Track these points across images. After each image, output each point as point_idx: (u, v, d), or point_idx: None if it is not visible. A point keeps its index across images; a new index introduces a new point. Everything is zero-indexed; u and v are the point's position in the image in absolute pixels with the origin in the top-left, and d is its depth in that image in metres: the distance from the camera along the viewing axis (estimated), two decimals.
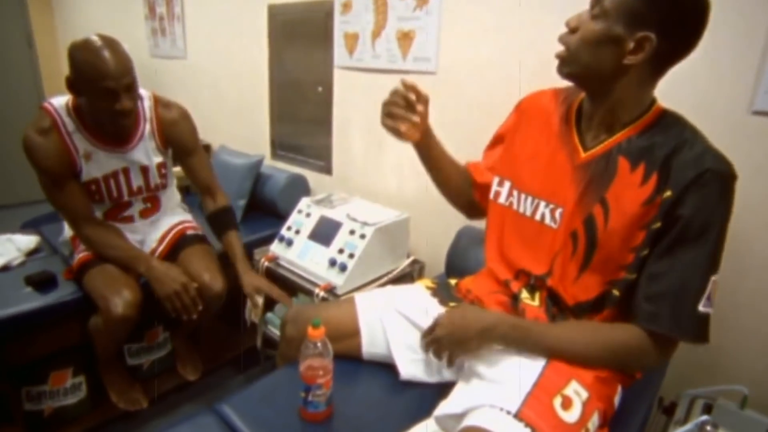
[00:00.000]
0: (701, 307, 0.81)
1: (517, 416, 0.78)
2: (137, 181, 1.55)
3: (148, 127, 1.52)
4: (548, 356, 0.89)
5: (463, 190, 1.21)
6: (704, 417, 0.90)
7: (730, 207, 0.84)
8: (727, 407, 0.99)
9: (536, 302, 1.01)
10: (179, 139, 1.59)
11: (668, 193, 0.82)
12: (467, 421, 0.81)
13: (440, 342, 0.96)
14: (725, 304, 1.16)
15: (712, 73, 1.12)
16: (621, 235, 0.87)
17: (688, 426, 0.88)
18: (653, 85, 0.89)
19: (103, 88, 1.25)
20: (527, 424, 0.77)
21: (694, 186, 0.80)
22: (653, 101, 0.91)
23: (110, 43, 1.29)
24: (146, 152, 1.52)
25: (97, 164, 1.45)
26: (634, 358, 0.87)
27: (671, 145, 0.84)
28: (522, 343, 0.91)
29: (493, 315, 0.97)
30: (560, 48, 0.89)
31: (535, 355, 0.89)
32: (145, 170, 1.55)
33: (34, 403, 1.53)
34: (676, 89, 1.16)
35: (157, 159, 1.56)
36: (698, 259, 0.81)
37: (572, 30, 0.87)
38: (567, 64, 0.88)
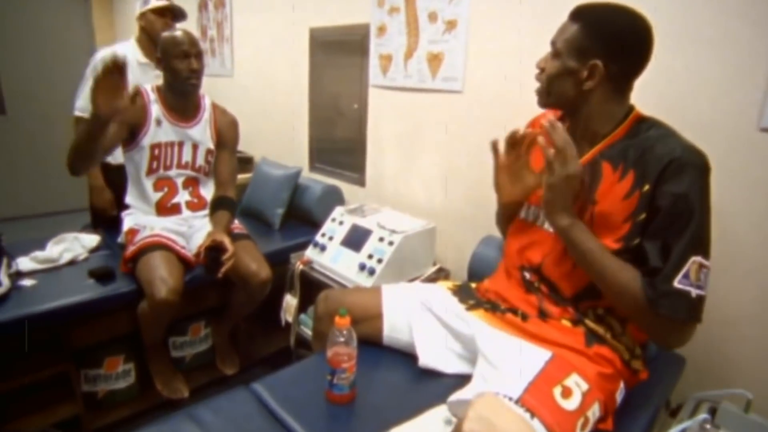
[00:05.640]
0: (676, 284, 0.86)
1: (518, 402, 0.85)
2: (186, 156, 1.87)
3: (206, 115, 1.91)
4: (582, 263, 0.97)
5: None
6: (704, 416, 0.94)
7: (704, 192, 0.90)
8: (732, 410, 1.02)
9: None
10: (225, 137, 1.94)
11: (647, 187, 0.92)
12: None
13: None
14: (734, 313, 1.20)
15: (720, 92, 1.17)
16: (608, 228, 0.97)
17: (689, 423, 0.92)
18: (621, 100, 1.01)
19: (180, 51, 1.71)
20: (527, 409, 0.84)
21: (664, 175, 0.90)
22: (629, 111, 1.01)
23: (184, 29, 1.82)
24: (202, 133, 1.88)
25: (163, 132, 1.81)
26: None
27: (645, 145, 0.95)
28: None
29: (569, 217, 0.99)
30: (537, 85, 1.06)
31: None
32: (195, 148, 1.88)
33: (91, 384, 1.69)
34: (685, 108, 1.22)
35: (208, 144, 1.90)
36: (676, 239, 0.88)
37: (542, 70, 1.04)
38: (542, 97, 1.06)
